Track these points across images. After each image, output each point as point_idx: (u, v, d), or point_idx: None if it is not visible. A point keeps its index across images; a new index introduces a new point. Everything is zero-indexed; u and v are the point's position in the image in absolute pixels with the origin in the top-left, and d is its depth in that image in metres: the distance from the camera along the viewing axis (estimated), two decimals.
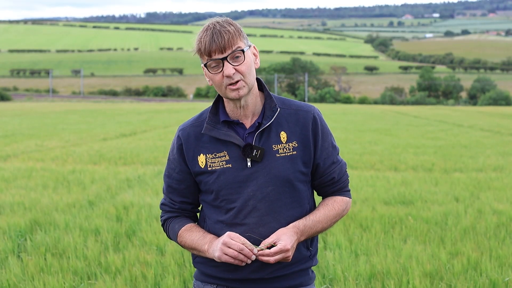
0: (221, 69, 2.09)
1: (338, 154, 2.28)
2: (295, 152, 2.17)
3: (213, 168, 2.17)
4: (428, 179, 10.02)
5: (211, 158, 2.17)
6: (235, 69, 2.09)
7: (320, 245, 5.67)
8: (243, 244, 2.05)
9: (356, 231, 6.17)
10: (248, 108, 2.18)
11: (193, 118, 2.27)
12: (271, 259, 2.06)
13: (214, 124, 2.19)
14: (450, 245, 5.65)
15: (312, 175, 2.25)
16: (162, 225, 2.34)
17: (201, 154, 2.19)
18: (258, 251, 2.06)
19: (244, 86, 2.11)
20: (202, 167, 2.19)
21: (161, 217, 2.34)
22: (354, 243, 5.71)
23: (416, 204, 7.64)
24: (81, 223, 6.42)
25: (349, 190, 2.34)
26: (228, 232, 2.08)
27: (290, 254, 2.08)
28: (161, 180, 9.67)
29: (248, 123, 2.19)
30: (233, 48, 2.08)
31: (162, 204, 2.33)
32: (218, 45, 2.06)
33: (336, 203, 2.27)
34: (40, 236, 5.90)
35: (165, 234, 2.43)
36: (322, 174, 2.24)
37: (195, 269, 2.33)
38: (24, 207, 7.44)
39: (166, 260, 5.11)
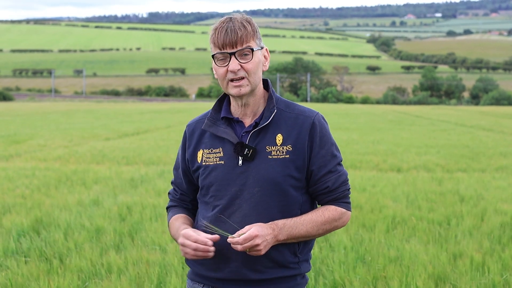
0: (227, 63, 2.11)
1: (338, 164, 2.20)
2: (288, 156, 2.14)
3: (207, 163, 2.20)
4: (431, 179, 10.01)
5: (207, 153, 2.21)
6: (241, 65, 2.10)
7: (322, 244, 5.67)
8: (195, 241, 2.06)
9: (358, 231, 6.16)
10: (249, 107, 2.19)
11: (201, 115, 2.31)
12: (239, 247, 2.02)
13: (214, 121, 2.21)
14: (453, 246, 5.64)
15: (307, 182, 2.21)
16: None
17: (200, 150, 2.23)
18: (230, 238, 2.05)
19: (247, 85, 2.12)
20: (199, 162, 2.22)
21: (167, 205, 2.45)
22: (356, 243, 5.70)
23: (419, 204, 7.62)
24: (84, 223, 6.42)
25: (348, 203, 2.23)
26: (182, 232, 2.11)
27: (260, 243, 2.02)
28: (164, 180, 9.71)
29: (248, 122, 2.20)
30: (243, 46, 2.10)
31: (168, 193, 2.43)
32: (230, 39, 2.09)
33: (327, 210, 2.18)
34: (43, 236, 5.90)
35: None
36: (316, 181, 2.19)
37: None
38: (27, 207, 7.45)
39: (169, 259, 5.11)
